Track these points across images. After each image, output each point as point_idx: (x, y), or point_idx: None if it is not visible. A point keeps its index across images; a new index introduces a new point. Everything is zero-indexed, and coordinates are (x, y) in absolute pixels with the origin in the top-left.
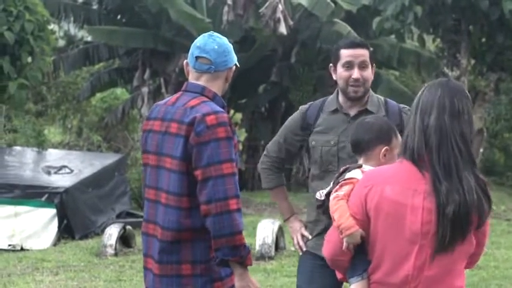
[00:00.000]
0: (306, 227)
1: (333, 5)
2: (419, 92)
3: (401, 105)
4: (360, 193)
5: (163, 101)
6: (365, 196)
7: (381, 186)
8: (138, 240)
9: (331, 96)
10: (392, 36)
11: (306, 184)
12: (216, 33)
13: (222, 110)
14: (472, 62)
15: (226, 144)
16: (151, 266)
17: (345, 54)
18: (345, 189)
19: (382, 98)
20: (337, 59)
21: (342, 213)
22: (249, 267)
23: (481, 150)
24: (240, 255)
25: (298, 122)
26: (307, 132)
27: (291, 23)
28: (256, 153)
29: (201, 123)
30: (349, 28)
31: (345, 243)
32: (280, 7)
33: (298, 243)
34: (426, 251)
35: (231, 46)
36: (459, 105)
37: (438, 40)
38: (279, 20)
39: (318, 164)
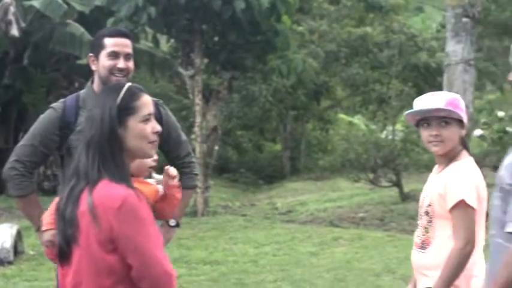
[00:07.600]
0: None
1: (65, 6)
2: None
3: (155, 99)
4: None
5: None
6: None
7: None
8: None
9: (85, 91)
10: None
11: (41, 188)
12: None
13: None
14: (206, 61)
15: None
16: None
17: (110, 43)
18: None
19: None
20: (100, 47)
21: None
22: None
23: (216, 148)
24: None
25: (55, 121)
26: (66, 132)
27: (23, 25)
28: None
29: None
30: (82, 29)
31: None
32: (12, 9)
33: None
34: None
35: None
36: (95, 111)
37: (172, 40)
38: (10, 22)
39: None
